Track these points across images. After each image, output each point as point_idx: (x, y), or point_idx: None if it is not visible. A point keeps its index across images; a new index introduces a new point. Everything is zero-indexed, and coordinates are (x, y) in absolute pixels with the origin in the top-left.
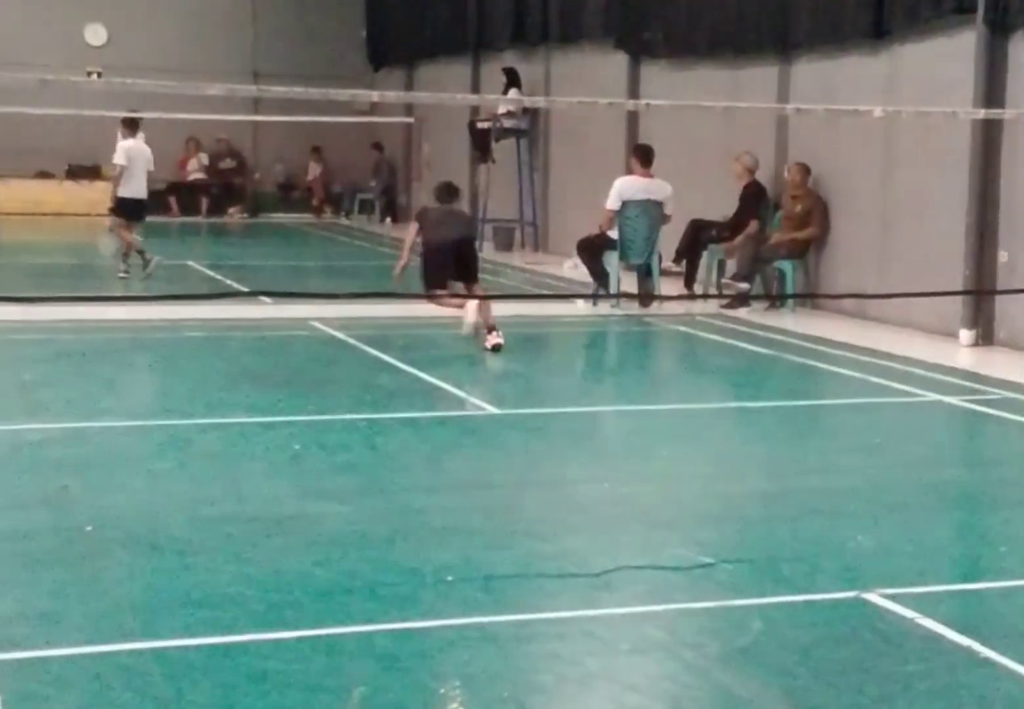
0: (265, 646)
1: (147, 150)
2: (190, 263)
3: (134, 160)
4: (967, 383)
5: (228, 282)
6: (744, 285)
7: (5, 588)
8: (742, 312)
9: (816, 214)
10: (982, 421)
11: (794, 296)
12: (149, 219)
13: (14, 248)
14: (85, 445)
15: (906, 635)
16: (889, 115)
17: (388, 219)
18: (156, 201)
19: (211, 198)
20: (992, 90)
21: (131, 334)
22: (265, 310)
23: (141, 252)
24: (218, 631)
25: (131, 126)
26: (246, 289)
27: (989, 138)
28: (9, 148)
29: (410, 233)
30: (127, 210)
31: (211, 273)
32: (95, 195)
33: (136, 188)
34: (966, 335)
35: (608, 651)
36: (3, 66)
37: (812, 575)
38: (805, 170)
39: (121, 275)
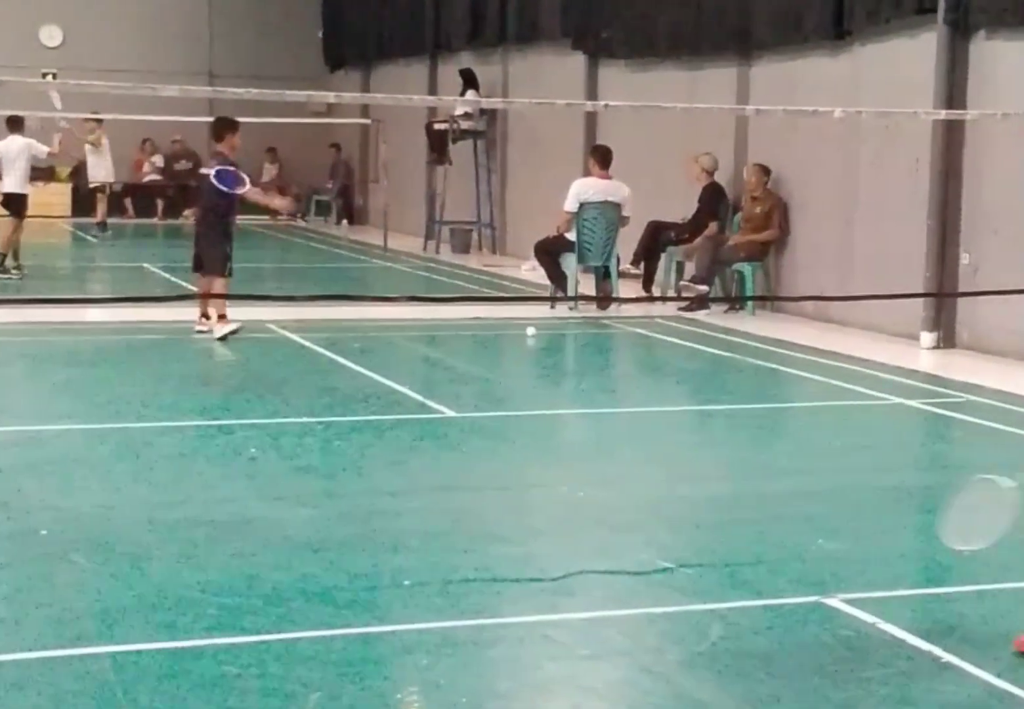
0: (222, 651)
1: (20, 143)
2: (146, 265)
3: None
4: (929, 386)
5: (184, 285)
6: (703, 287)
7: None
8: (701, 314)
9: (775, 215)
10: (944, 424)
11: (754, 298)
12: (107, 221)
13: None
14: (41, 448)
15: (867, 640)
16: (850, 116)
17: (344, 221)
18: (112, 203)
19: (167, 200)
20: (953, 91)
21: (87, 337)
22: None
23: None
24: (174, 636)
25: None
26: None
27: (951, 139)
28: None
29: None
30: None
31: (167, 276)
32: (50, 197)
33: (8, 183)
34: (928, 338)
35: (568, 656)
36: None
37: (773, 579)
38: (764, 171)
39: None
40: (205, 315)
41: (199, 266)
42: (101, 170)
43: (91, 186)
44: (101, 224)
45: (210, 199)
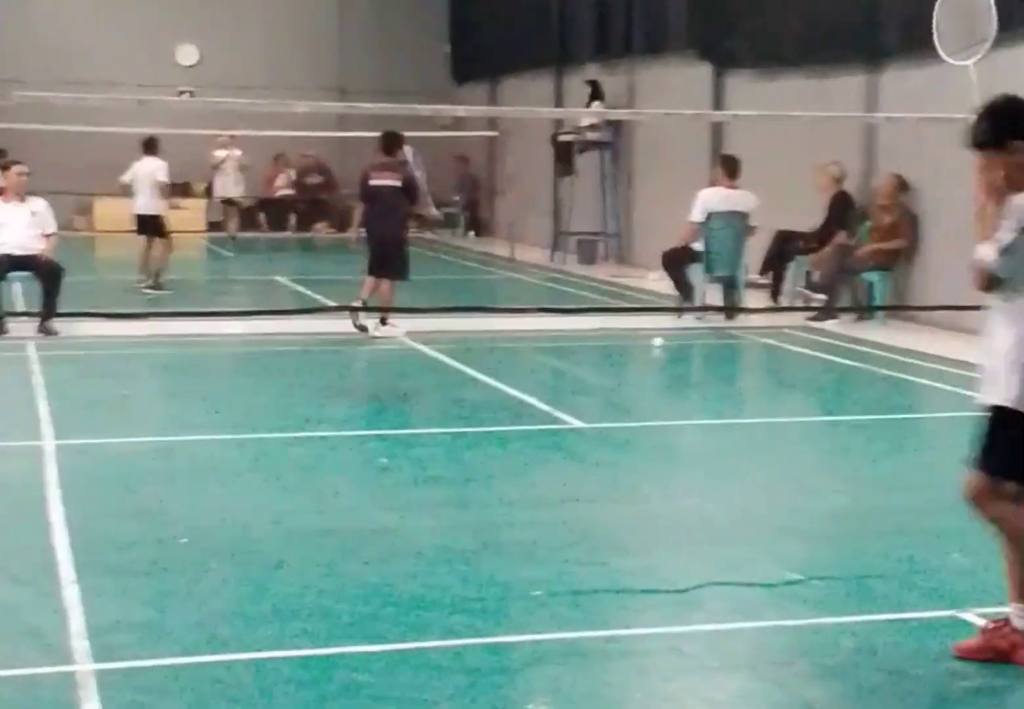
0: (355, 658)
1: (151, 166)
2: (278, 278)
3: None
4: None
5: (316, 297)
6: (821, 296)
7: (104, 599)
8: (829, 324)
9: (904, 226)
10: None
11: (883, 308)
12: (240, 235)
13: (109, 265)
14: (178, 458)
15: None
16: None
17: (472, 233)
18: (245, 217)
19: (299, 214)
20: None
21: (221, 349)
22: (352, 325)
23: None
24: (309, 643)
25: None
26: (334, 304)
27: None
28: (104, 166)
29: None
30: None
31: (299, 288)
32: (185, 213)
33: (139, 204)
34: None
35: (696, 668)
36: (99, 86)
37: (904, 593)
38: (899, 181)
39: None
40: (383, 319)
41: (377, 270)
42: (229, 185)
43: (218, 200)
44: (231, 237)
45: (394, 207)
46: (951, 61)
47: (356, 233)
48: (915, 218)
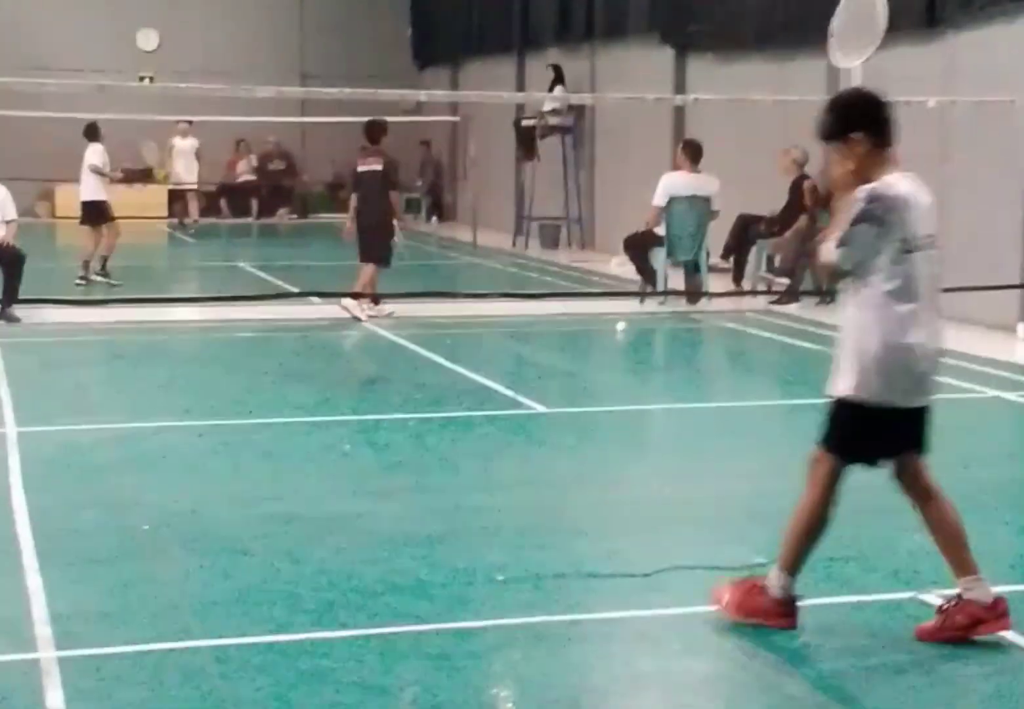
0: (319, 645)
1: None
2: (241, 264)
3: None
4: None
5: (278, 283)
6: (783, 280)
7: (65, 586)
8: (792, 308)
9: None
10: None
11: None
12: (201, 220)
13: (70, 252)
14: (140, 445)
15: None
16: (943, 106)
17: (435, 218)
18: (207, 203)
19: (260, 199)
20: None
21: (183, 335)
22: (315, 310)
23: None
24: (273, 630)
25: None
26: (296, 290)
27: None
28: (66, 153)
29: None
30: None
31: (261, 274)
32: (146, 198)
33: (80, 191)
34: None
35: (660, 652)
36: (59, 73)
37: (867, 575)
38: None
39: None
40: (375, 300)
41: (361, 255)
42: (181, 173)
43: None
44: (181, 224)
45: (377, 192)
46: (841, 62)
47: (350, 223)
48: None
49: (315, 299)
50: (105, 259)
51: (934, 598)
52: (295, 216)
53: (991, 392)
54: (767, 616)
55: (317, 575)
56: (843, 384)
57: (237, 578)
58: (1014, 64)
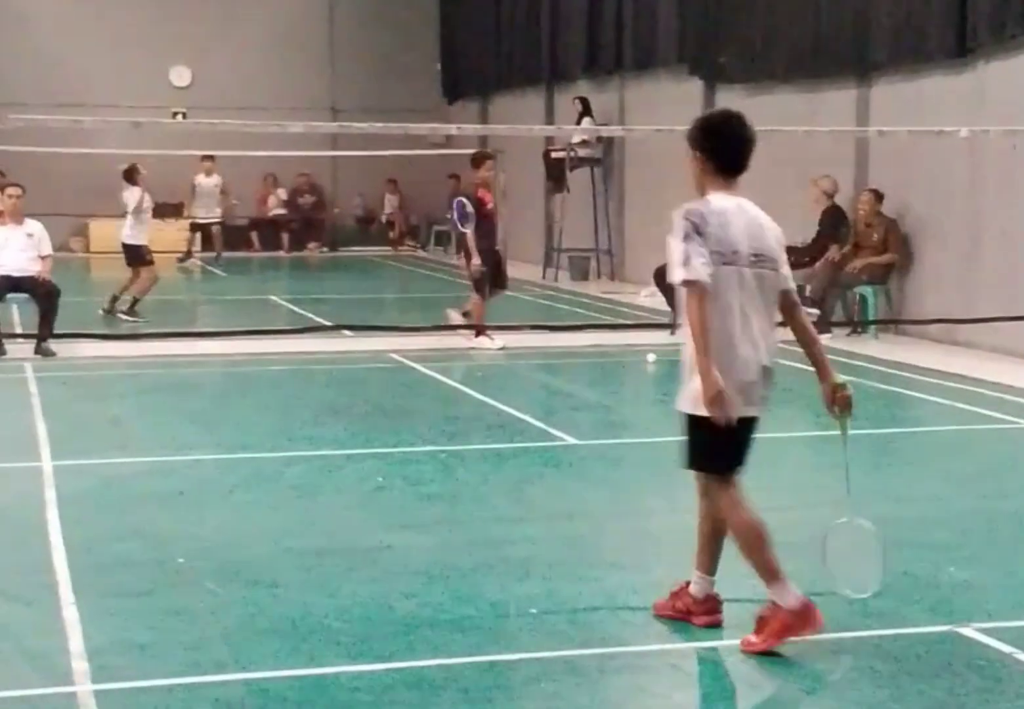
0: (353, 678)
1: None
2: (272, 298)
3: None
4: None
5: (310, 316)
6: (813, 310)
7: (101, 619)
8: (823, 338)
9: (893, 240)
10: None
11: (876, 322)
12: (231, 254)
13: (104, 285)
14: (175, 478)
15: (1004, 670)
16: (976, 135)
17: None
18: (238, 237)
19: (292, 233)
20: None
21: (216, 368)
22: (346, 343)
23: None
24: (307, 663)
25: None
26: (328, 323)
27: None
28: (99, 188)
29: None
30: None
31: (293, 307)
32: (179, 233)
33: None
34: None
35: (694, 685)
36: (94, 108)
37: (903, 608)
38: (876, 197)
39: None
40: (481, 331)
41: (492, 287)
42: (200, 210)
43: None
44: (186, 254)
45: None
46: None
47: (478, 259)
48: (900, 232)
49: (347, 332)
50: (135, 301)
51: (972, 631)
52: (326, 249)
53: None
54: (689, 615)
55: (351, 608)
56: (682, 399)
57: (271, 611)
58: None
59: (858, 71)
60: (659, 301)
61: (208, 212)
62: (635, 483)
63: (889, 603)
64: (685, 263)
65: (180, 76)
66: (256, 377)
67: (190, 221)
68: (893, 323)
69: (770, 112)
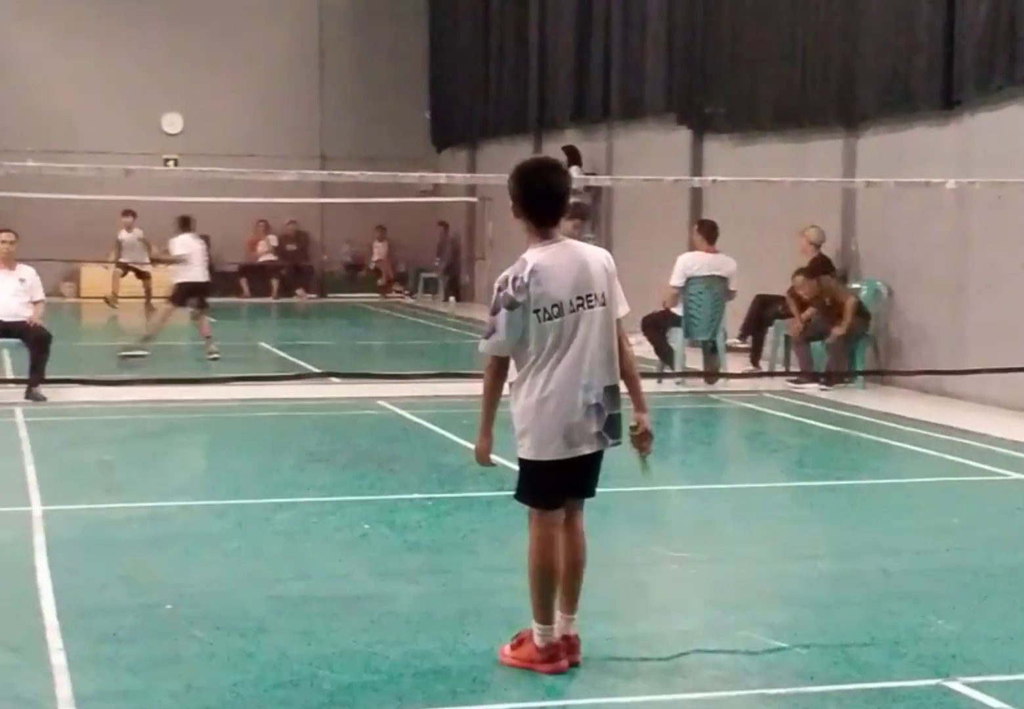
0: None
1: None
2: (262, 344)
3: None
4: None
5: (298, 362)
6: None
7: (89, 665)
8: (811, 388)
9: (840, 309)
10: None
11: (864, 373)
12: (220, 300)
13: (95, 332)
14: (162, 524)
15: None
16: (962, 187)
17: (452, 298)
18: (227, 283)
19: (281, 279)
20: None
21: (206, 414)
22: (334, 390)
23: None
24: None
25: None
26: (316, 369)
27: None
28: (91, 234)
29: None
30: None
31: (281, 354)
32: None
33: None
34: None
35: None
36: (86, 155)
37: (891, 661)
38: (806, 275)
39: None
40: None
41: None
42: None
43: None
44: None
45: None
46: None
47: None
48: (850, 296)
49: (334, 379)
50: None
51: (960, 686)
52: (314, 296)
53: (1014, 475)
54: (533, 663)
55: (336, 656)
56: (520, 446)
57: (257, 658)
58: None
59: (845, 122)
60: (647, 349)
61: (138, 259)
62: (622, 533)
63: (876, 656)
64: (487, 336)
65: (172, 123)
66: (245, 423)
67: (121, 264)
68: (880, 374)
69: (758, 162)
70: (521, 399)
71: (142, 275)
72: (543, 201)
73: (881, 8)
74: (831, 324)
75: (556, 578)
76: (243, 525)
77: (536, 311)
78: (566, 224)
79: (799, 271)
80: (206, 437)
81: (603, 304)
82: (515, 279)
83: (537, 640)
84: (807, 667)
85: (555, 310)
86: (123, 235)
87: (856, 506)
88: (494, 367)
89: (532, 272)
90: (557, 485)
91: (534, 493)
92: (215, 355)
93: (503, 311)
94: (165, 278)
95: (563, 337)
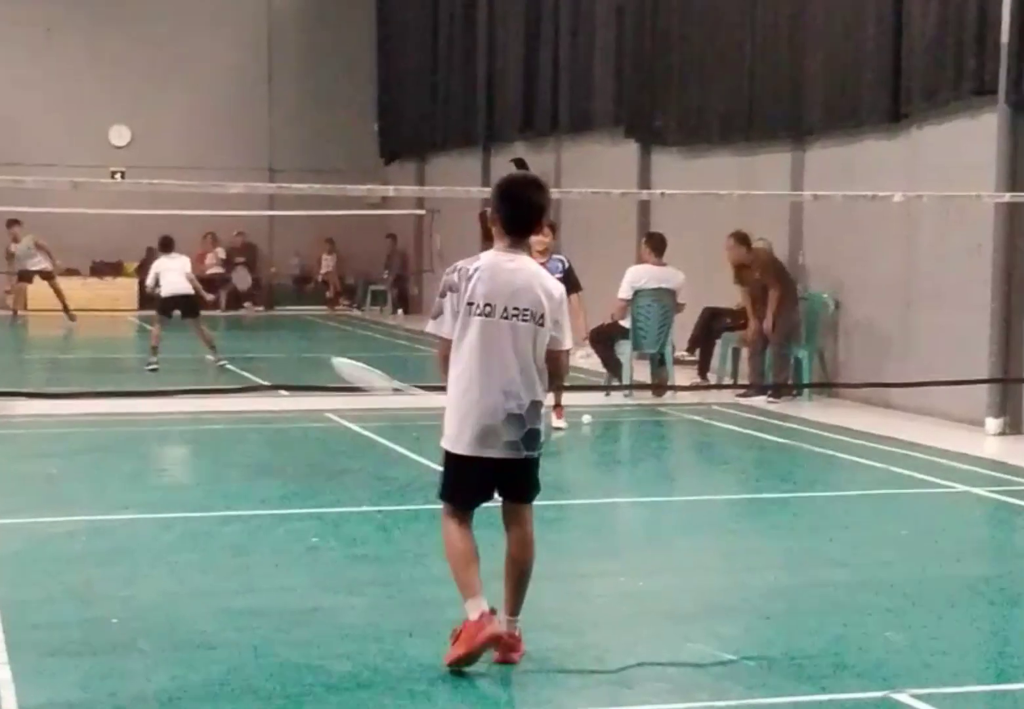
0: None
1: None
2: (209, 357)
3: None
4: (995, 473)
5: (246, 375)
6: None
7: (35, 678)
8: (758, 401)
9: (769, 273)
10: (1012, 513)
11: (811, 385)
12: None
13: (42, 344)
14: (109, 538)
15: None
16: (910, 200)
17: (400, 310)
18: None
19: (228, 292)
20: (1016, 172)
21: (152, 428)
22: (282, 402)
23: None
24: None
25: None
26: (264, 382)
27: (1014, 221)
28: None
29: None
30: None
31: (229, 366)
32: (117, 291)
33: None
34: (993, 424)
35: None
36: (33, 168)
37: (838, 673)
38: (738, 239)
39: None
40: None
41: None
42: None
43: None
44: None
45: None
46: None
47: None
48: (774, 262)
49: (283, 391)
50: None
51: (907, 698)
52: (261, 309)
53: (961, 487)
54: (471, 640)
55: (285, 669)
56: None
57: (204, 672)
58: (979, 159)
59: (793, 135)
60: (595, 362)
61: (36, 264)
62: (569, 546)
63: (825, 668)
64: (435, 317)
65: (119, 135)
66: (192, 436)
67: (20, 272)
68: (828, 386)
69: (706, 175)
70: (449, 389)
71: (46, 276)
72: (520, 215)
73: (828, 22)
74: (759, 319)
75: (467, 559)
76: (190, 538)
77: (470, 304)
78: (545, 238)
79: (732, 235)
80: (153, 450)
81: (539, 324)
82: (462, 269)
83: (470, 615)
84: (756, 679)
85: (487, 309)
86: (13, 247)
87: (804, 518)
88: (443, 350)
89: (479, 268)
90: (465, 483)
91: (443, 486)
92: (221, 362)
93: (448, 294)
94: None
95: (492, 339)
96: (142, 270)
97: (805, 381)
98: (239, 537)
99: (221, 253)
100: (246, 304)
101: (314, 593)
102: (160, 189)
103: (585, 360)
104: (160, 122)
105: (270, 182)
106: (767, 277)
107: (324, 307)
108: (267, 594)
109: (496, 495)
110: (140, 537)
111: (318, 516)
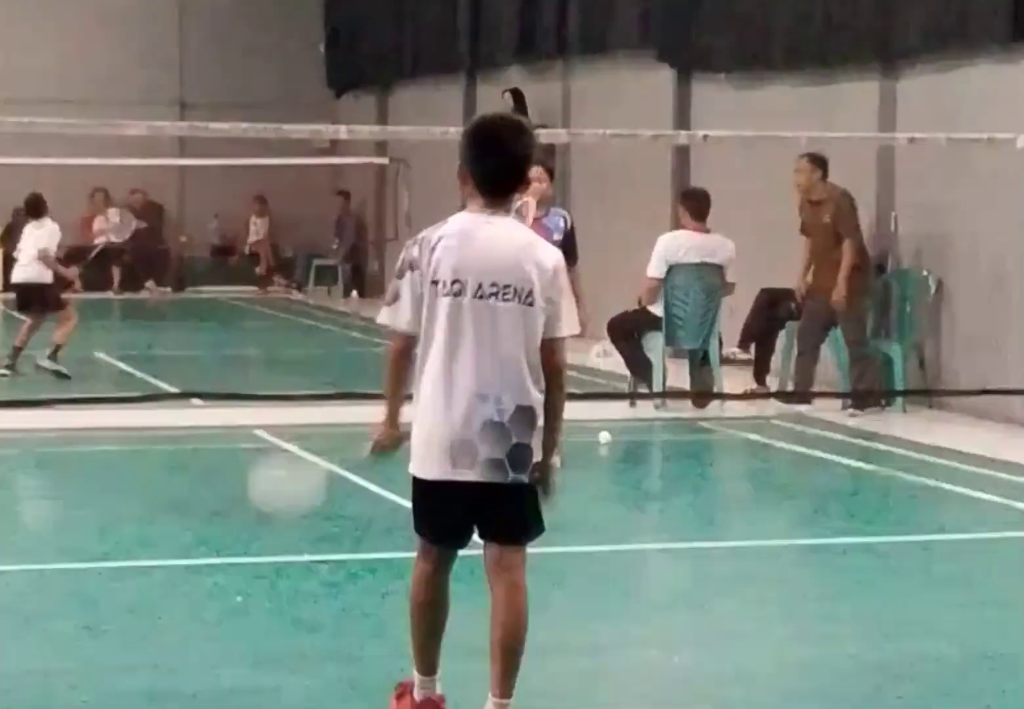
0: None
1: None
2: (99, 355)
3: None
4: None
5: (148, 379)
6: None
7: None
8: (836, 413)
9: (845, 221)
10: None
11: (906, 393)
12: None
13: None
14: None
15: None
16: None
17: (354, 293)
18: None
19: (124, 268)
20: None
21: (21, 449)
22: (196, 416)
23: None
24: None
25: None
26: (173, 389)
27: None
28: None
29: None
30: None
31: (125, 367)
32: None
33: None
34: None
35: None
36: None
37: None
38: (815, 162)
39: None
40: None
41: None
42: None
43: None
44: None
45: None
46: None
47: None
48: (854, 208)
49: (197, 401)
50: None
51: None
52: (168, 290)
53: None
54: None
55: None
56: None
57: None
58: None
59: (882, 59)
60: (615, 361)
61: None
62: (580, 607)
63: None
64: (390, 303)
65: None
66: (77, 461)
67: None
68: (925, 394)
69: (765, 111)
70: (415, 397)
71: None
72: (497, 170)
73: None
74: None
75: (428, 620)
76: (74, 597)
77: (435, 282)
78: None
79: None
80: (25, 480)
81: (527, 304)
82: (424, 239)
83: (416, 692)
84: None
85: (455, 286)
86: None
87: (892, 571)
88: (397, 346)
89: (444, 235)
90: (436, 514)
91: (414, 515)
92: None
93: (406, 276)
94: None
95: (462, 325)
96: (8, 239)
97: (897, 386)
98: (138, 595)
99: (114, 216)
100: (148, 284)
101: (237, 671)
102: (32, 129)
103: (602, 358)
104: (36, 45)
105: (180, 121)
106: (842, 222)
107: (253, 287)
108: (179, 671)
109: (476, 535)
110: (9, 596)
111: (243, 568)
